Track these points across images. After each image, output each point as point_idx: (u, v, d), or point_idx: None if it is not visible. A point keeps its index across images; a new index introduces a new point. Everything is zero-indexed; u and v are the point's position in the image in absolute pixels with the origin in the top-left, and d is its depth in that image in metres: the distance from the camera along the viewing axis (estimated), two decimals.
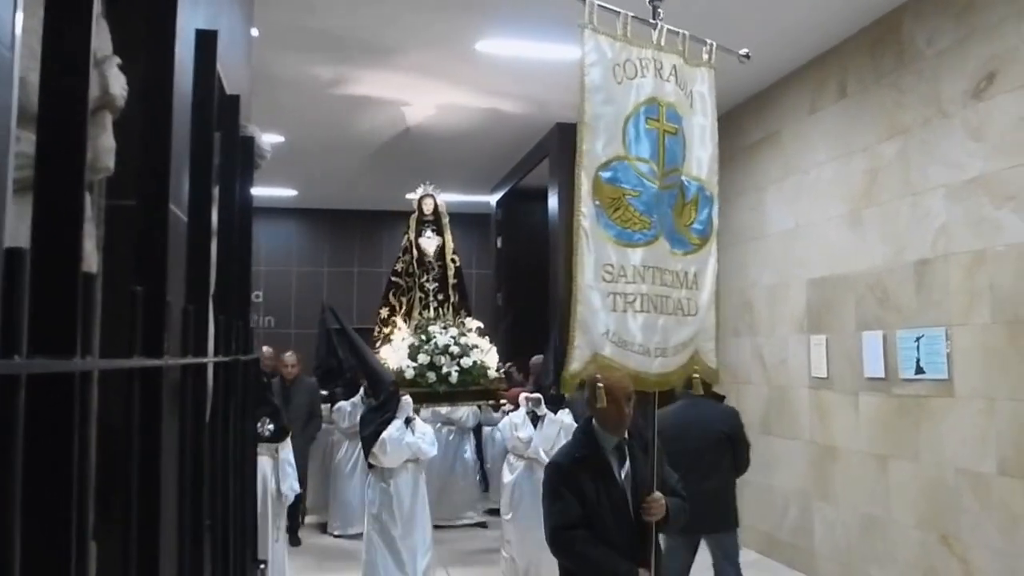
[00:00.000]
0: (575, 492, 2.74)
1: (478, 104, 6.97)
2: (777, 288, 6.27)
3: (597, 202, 2.68)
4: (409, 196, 6.81)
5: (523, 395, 5.65)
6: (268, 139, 2.45)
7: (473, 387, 6.03)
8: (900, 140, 5.06)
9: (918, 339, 4.82)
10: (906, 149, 5.01)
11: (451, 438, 7.93)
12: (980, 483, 4.31)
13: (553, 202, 7.91)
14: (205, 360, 1.37)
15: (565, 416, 5.43)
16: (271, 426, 5.12)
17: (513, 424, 5.57)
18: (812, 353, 5.87)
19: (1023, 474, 4.04)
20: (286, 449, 5.54)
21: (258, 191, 10.31)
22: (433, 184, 6.83)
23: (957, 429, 4.49)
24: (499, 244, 10.68)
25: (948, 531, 4.52)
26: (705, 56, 3.14)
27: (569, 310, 2.67)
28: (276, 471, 5.26)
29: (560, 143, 7.68)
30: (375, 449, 5.01)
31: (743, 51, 3.30)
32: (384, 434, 4.99)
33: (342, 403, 6.96)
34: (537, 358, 7.40)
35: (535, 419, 5.47)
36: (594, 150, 2.70)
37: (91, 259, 1.12)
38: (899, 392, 4.98)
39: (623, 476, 2.81)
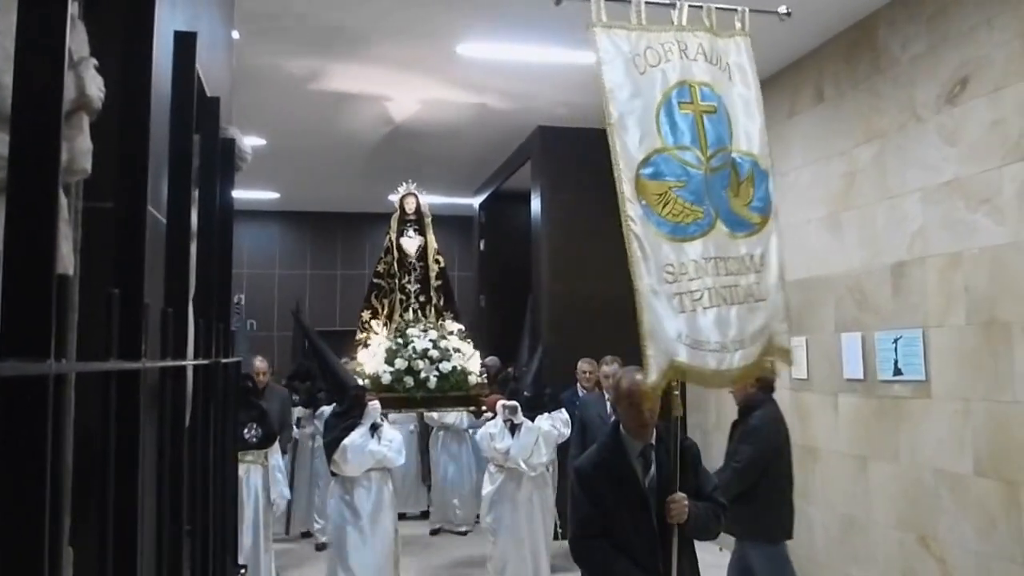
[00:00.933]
0: (596, 498, 2.64)
1: (462, 100, 6.97)
2: None
3: (644, 202, 2.56)
4: (391, 197, 6.66)
5: (499, 403, 5.41)
6: (249, 142, 2.44)
7: (453, 393, 5.74)
8: (877, 144, 5.13)
9: (896, 340, 4.88)
10: (883, 153, 5.07)
11: (448, 442, 7.89)
12: (957, 483, 4.36)
13: (536, 205, 7.92)
14: (184, 363, 1.36)
15: (544, 423, 5.29)
16: (258, 431, 4.92)
17: (489, 435, 5.34)
18: (792, 354, 5.91)
19: (998, 474, 4.09)
20: (275, 454, 5.31)
21: (240, 194, 10.10)
22: (416, 183, 6.64)
23: (934, 430, 4.54)
24: (482, 246, 10.67)
25: (926, 531, 4.57)
26: (738, 24, 2.97)
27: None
28: (265, 478, 5.05)
29: (542, 146, 7.70)
30: (335, 456, 4.78)
31: (782, 8, 3.07)
32: (346, 441, 4.75)
33: (325, 408, 6.68)
34: (492, 359, 7.14)
35: (513, 428, 5.25)
36: (628, 150, 2.58)
37: (67, 261, 1.11)
38: (878, 393, 5.03)
39: (647, 483, 2.68)
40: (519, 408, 5.23)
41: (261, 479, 4.98)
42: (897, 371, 4.84)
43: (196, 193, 1.70)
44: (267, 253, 11.57)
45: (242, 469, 4.73)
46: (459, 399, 5.82)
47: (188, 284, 1.44)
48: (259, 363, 6.57)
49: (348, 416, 4.87)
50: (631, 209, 2.55)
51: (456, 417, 7.54)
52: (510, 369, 5.73)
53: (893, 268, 4.93)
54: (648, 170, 2.58)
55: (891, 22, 5.01)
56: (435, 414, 7.11)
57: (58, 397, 0.79)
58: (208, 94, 1.77)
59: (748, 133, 2.85)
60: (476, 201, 10.56)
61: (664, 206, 2.57)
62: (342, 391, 5.05)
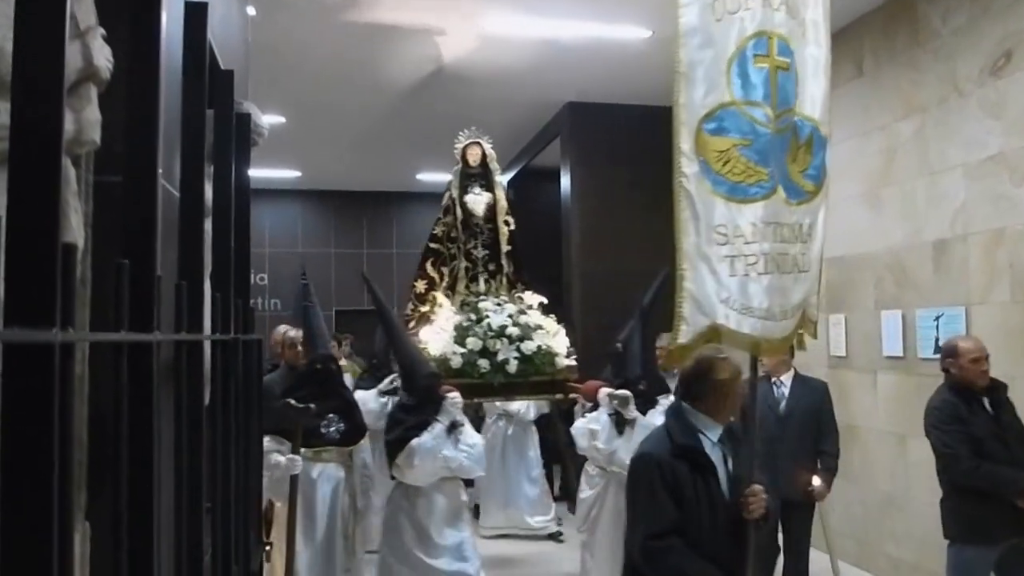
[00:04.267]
0: (672, 491, 2.33)
1: (486, 73, 6.90)
2: None
3: (702, 158, 2.39)
4: (456, 146, 5.59)
5: (604, 391, 4.32)
6: (268, 119, 2.42)
7: (536, 378, 4.77)
8: (917, 119, 5.01)
9: (937, 318, 4.80)
10: (923, 128, 4.96)
11: (510, 433, 6.65)
12: None
13: (565, 182, 7.86)
14: (200, 337, 1.34)
15: (657, 418, 4.25)
16: (340, 425, 4.10)
17: (589, 431, 4.32)
18: (831, 332, 5.85)
19: None
20: (364, 452, 4.42)
21: (260, 172, 10.15)
22: (479, 129, 5.59)
23: None
24: (511, 224, 10.61)
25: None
26: None
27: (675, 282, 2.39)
28: (350, 481, 4.20)
29: (571, 122, 7.62)
30: (399, 460, 3.90)
31: None
32: (414, 441, 3.84)
33: (362, 393, 5.62)
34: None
35: (620, 423, 4.21)
36: (693, 101, 2.40)
37: (77, 234, 1.10)
38: (918, 371, 4.96)
39: (724, 470, 2.45)
40: (631, 400, 4.19)
41: (343, 482, 4.15)
42: (938, 349, 4.75)
43: (211, 169, 1.68)
44: (289, 232, 11.64)
45: (316, 470, 4.04)
46: (541, 385, 4.85)
47: (202, 257, 1.43)
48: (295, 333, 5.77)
49: (420, 411, 4.00)
50: (686, 165, 2.39)
51: (522, 404, 6.33)
52: (618, 344, 4.74)
53: (935, 245, 4.84)
54: (711, 125, 2.41)
55: None
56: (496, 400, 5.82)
57: (65, 367, 0.77)
58: (222, 67, 1.74)
59: (813, 97, 2.66)
60: (504, 179, 10.50)
61: (724, 164, 2.41)
62: (413, 378, 4.12)
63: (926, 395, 4.87)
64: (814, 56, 2.68)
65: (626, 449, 4.11)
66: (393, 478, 4.10)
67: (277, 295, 11.42)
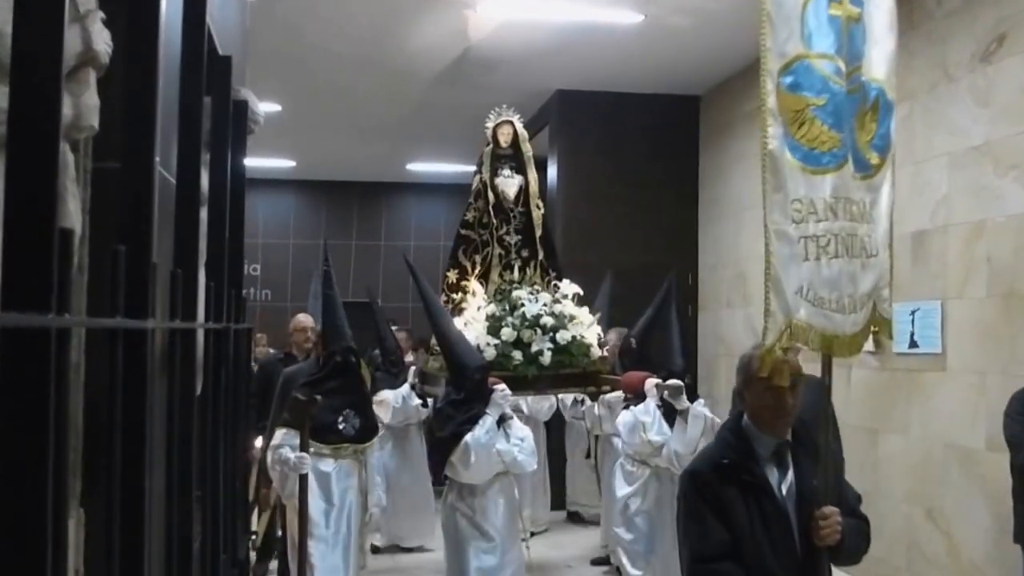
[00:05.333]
0: (721, 511, 2.07)
1: (475, 60, 6.87)
2: None
3: (781, 118, 2.08)
4: (487, 125, 5.26)
5: (652, 381, 4.12)
6: (264, 108, 2.40)
7: (569, 370, 4.52)
8: (906, 105, 4.94)
9: (913, 312, 4.81)
10: (911, 115, 4.91)
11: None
12: (968, 458, 4.31)
13: (552, 172, 7.84)
14: (194, 325, 1.34)
15: (705, 409, 4.09)
16: (357, 421, 3.89)
17: (639, 423, 4.06)
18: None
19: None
20: (374, 451, 4.21)
21: (255, 162, 9.88)
22: (511, 108, 5.22)
23: (948, 403, 4.49)
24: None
25: (933, 505, 4.55)
26: None
27: None
28: (362, 480, 4.03)
29: (560, 110, 7.60)
30: (454, 458, 3.73)
31: None
32: (468, 437, 3.70)
33: (385, 392, 5.31)
34: (617, 331, 5.53)
35: (669, 414, 4.01)
36: (775, 48, 2.08)
37: (75, 219, 1.09)
38: (891, 366, 4.99)
39: (784, 490, 2.12)
40: (683, 389, 3.98)
41: (357, 481, 3.95)
42: (913, 343, 4.78)
43: (207, 157, 1.67)
44: (282, 222, 11.56)
45: (329, 465, 3.83)
46: (573, 378, 4.60)
47: (197, 245, 1.42)
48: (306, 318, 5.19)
49: (469, 405, 3.84)
50: (772, 127, 2.04)
51: (541, 403, 6.10)
52: (632, 339, 4.51)
53: (914, 237, 4.82)
54: (788, 79, 2.09)
55: None
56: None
57: (60, 352, 0.77)
58: (220, 53, 1.73)
59: (880, 55, 2.34)
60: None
61: (800, 127, 2.09)
62: (461, 372, 3.95)
63: (898, 391, 4.92)
64: (882, 9, 2.35)
65: (680, 440, 3.94)
66: (446, 478, 3.91)
67: (269, 286, 11.39)
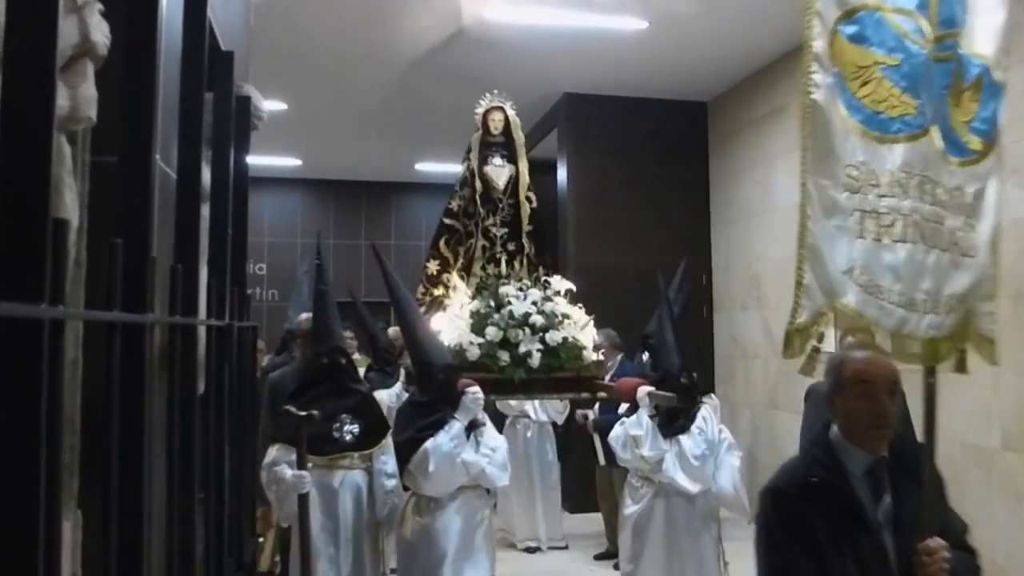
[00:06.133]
0: (806, 540, 1.74)
1: (483, 62, 6.85)
2: (785, 262, 6.21)
3: (836, 69, 1.79)
4: (478, 109, 4.98)
5: (643, 389, 3.73)
6: (270, 106, 2.39)
7: (560, 374, 4.19)
8: None
9: None
10: None
11: (528, 435, 5.95)
12: (985, 458, 4.30)
13: (562, 174, 7.83)
14: (194, 321, 1.32)
15: (709, 418, 3.71)
16: (355, 427, 3.48)
17: (630, 438, 3.68)
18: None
19: None
20: (386, 454, 3.62)
21: (261, 160, 9.91)
22: (502, 93, 4.95)
23: (963, 404, 4.48)
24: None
25: (955, 506, 4.52)
26: None
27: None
28: (369, 487, 3.51)
29: (568, 113, 7.59)
30: (411, 466, 3.34)
31: None
32: (428, 443, 3.30)
33: (379, 393, 4.71)
34: (608, 332, 5.20)
35: (664, 425, 3.67)
36: None
37: (71, 212, 1.07)
38: (902, 366, 4.97)
39: (880, 515, 1.80)
40: (675, 400, 3.63)
41: (364, 490, 3.49)
42: None
43: (210, 153, 1.65)
44: (289, 222, 11.58)
45: (336, 479, 3.43)
46: (565, 383, 4.27)
47: (198, 240, 1.40)
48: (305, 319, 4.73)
49: (433, 408, 3.44)
50: (817, 74, 1.77)
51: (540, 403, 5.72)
52: (649, 339, 4.27)
53: None
54: (850, 28, 1.81)
55: None
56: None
57: (54, 344, 0.75)
58: (223, 48, 1.71)
59: (986, 29, 2.06)
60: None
61: (864, 85, 1.81)
62: (425, 371, 3.57)
63: (915, 392, 4.88)
64: None
65: (674, 456, 3.61)
66: (406, 488, 3.50)
67: (275, 285, 11.40)
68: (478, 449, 3.41)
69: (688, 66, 6.67)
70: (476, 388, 3.51)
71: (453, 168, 7.14)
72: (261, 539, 3.71)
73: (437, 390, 3.47)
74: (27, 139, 0.78)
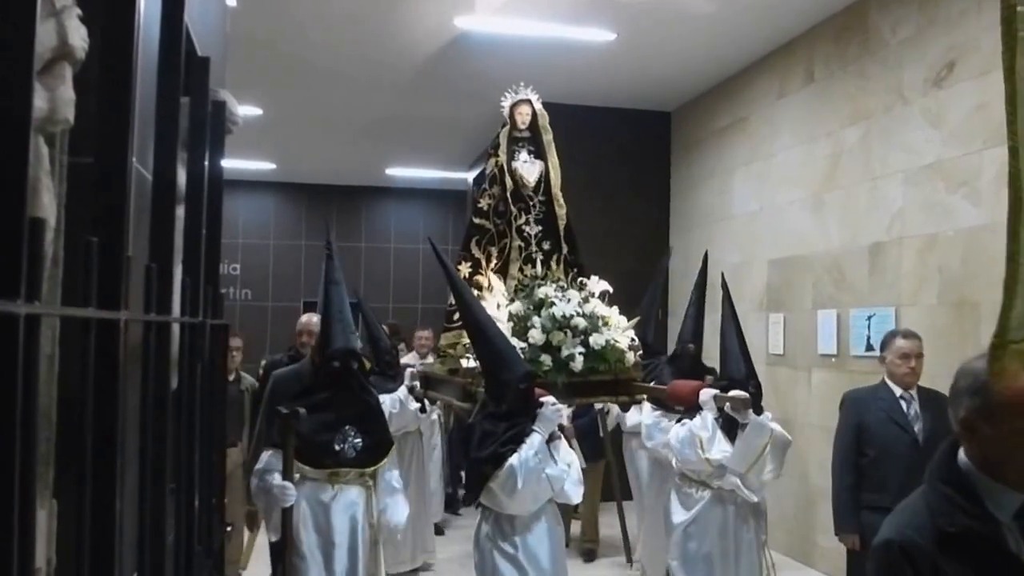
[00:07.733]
0: None
1: (453, 71, 6.91)
2: (740, 268, 6.38)
3: None
4: (503, 104, 4.80)
5: (709, 392, 3.57)
6: (245, 111, 2.41)
7: (600, 377, 4.01)
8: (863, 126, 5.21)
9: (869, 318, 5.04)
10: (868, 135, 5.17)
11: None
12: None
13: None
14: (169, 319, 1.36)
15: (774, 424, 3.49)
16: (359, 441, 3.23)
17: (696, 439, 3.50)
18: (770, 331, 6.10)
19: None
20: (390, 469, 3.42)
21: (236, 164, 9.88)
22: (529, 87, 4.75)
23: None
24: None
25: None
26: None
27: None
28: (368, 504, 3.29)
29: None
30: (495, 484, 3.02)
31: None
32: (514, 459, 3.00)
33: (381, 397, 4.28)
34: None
35: (731, 428, 3.47)
36: None
37: (48, 212, 1.11)
38: (850, 368, 5.18)
39: None
40: (750, 402, 3.42)
41: (363, 507, 3.26)
42: (869, 347, 5.00)
43: (185, 155, 1.69)
44: (262, 223, 11.59)
45: (328, 493, 3.21)
46: (604, 386, 4.08)
47: (172, 239, 1.44)
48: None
49: (512, 420, 3.14)
50: None
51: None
52: (691, 345, 4.10)
53: (871, 248, 5.08)
54: None
55: (883, 4, 5.10)
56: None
57: (29, 340, 0.78)
58: (200, 54, 1.75)
59: None
60: (471, 176, 10.53)
61: None
62: (501, 380, 3.23)
63: None
64: None
65: (735, 458, 3.45)
66: (479, 506, 3.19)
67: (249, 285, 11.43)
68: (556, 462, 3.15)
69: (653, 77, 6.81)
70: (553, 399, 3.25)
71: (423, 173, 7.18)
72: (230, 528, 3.51)
73: (515, 399, 3.17)
74: (5, 140, 0.80)
